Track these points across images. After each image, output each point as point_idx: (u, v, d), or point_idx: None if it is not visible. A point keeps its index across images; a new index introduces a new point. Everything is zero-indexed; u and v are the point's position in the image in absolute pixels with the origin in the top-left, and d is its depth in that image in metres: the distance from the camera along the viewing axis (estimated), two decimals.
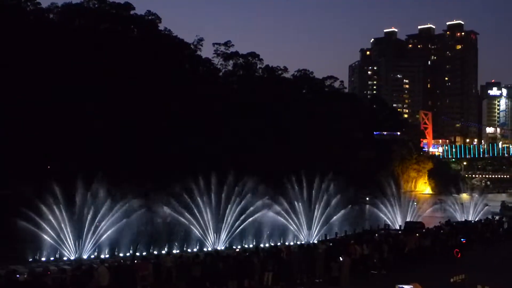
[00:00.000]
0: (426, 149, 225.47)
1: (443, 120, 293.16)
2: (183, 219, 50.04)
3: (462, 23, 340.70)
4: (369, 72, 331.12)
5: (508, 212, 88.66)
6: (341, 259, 31.03)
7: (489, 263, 38.61)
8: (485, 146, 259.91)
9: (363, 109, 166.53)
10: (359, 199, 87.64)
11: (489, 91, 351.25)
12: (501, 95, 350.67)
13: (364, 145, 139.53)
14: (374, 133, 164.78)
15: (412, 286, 23.48)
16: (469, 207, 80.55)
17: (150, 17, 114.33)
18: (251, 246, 49.00)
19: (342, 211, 59.88)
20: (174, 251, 44.36)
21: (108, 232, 44.75)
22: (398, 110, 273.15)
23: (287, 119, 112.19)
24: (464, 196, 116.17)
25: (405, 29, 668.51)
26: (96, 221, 44.67)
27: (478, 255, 43.56)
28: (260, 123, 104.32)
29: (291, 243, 49.41)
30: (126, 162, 77.86)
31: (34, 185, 56.87)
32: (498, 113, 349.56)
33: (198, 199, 51.23)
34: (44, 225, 42.71)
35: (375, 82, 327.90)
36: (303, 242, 46.74)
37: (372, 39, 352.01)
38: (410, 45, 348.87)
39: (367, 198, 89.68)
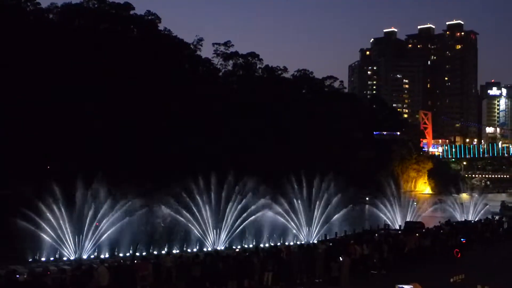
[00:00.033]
0: (426, 149, 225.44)
1: (443, 120, 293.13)
2: (183, 219, 50.03)
3: (462, 23, 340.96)
4: (368, 72, 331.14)
5: (508, 212, 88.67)
6: (341, 259, 31.01)
7: (489, 263, 38.61)
8: (485, 146, 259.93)
9: (362, 109, 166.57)
10: (359, 199, 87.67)
11: (488, 91, 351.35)
12: (500, 95, 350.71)
13: (364, 145, 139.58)
14: (374, 133, 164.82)
15: (412, 286, 23.48)
16: (469, 207, 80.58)
17: (149, 17, 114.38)
18: (251, 246, 48.99)
19: (342, 211, 59.89)
20: (174, 251, 44.34)
21: (108, 232, 44.73)
22: (398, 110, 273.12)
23: (287, 119, 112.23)
24: (464, 196, 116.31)
25: (405, 29, 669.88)
26: (95, 221, 44.65)
27: (478, 255, 43.57)
28: (260, 123, 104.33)
29: (291, 243, 49.41)
30: (126, 162, 77.86)
31: (34, 185, 56.87)
32: (498, 113, 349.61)
33: (198, 199, 51.23)
34: (44, 225, 42.69)
35: (374, 82, 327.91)
36: (303, 242, 46.74)
37: (372, 39, 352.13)
38: (410, 45, 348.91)
39: (367, 198, 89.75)
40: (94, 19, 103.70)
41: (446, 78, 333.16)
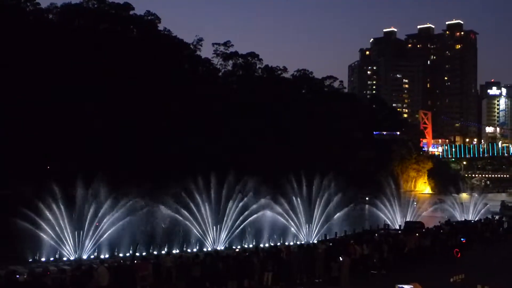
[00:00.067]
0: (425, 148, 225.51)
1: (443, 119, 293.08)
2: (183, 219, 50.02)
3: (462, 22, 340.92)
4: (368, 72, 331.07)
5: (507, 211, 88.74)
6: (341, 259, 31.02)
7: (489, 263, 38.61)
8: (485, 146, 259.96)
9: (362, 109, 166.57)
10: (359, 199, 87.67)
11: (488, 91, 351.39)
12: (500, 94, 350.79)
13: (363, 145, 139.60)
14: (374, 133, 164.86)
15: (412, 286, 23.49)
16: (468, 207, 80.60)
17: (149, 17, 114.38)
18: (251, 246, 48.99)
19: (342, 211, 59.91)
20: (174, 251, 44.35)
21: (108, 232, 44.73)
22: (398, 110, 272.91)
23: (287, 119, 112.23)
24: (464, 195, 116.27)
25: (405, 29, 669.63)
26: (95, 221, 44.64)
27: (478, 255, 43.57)
28: (260, 123, 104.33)
29: (291, 243, 49.43)
30: (126, 162, 77.84)
31: (34, 185, 56.90)
32: (498, 113, 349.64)
33: (198, 199, 51.23)
34: (44, 225, 42.70)
35: (374, 82, 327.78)
36: (302, 242, 46.76)
37: (372, 39, 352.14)
38: (410, 45, 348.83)
39: (367, 198, 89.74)
40: (93, 19, 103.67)
41: (445, 78, 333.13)
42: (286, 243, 49.91)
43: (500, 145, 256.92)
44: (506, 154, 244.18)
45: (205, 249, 47.19)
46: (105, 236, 44.53)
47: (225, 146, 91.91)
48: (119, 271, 27.72)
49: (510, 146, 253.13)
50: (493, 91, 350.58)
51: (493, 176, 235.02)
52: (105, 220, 44.89)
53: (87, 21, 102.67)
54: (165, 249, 44.71)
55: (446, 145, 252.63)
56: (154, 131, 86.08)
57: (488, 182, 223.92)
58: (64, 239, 43.02)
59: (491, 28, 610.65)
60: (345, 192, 61.85)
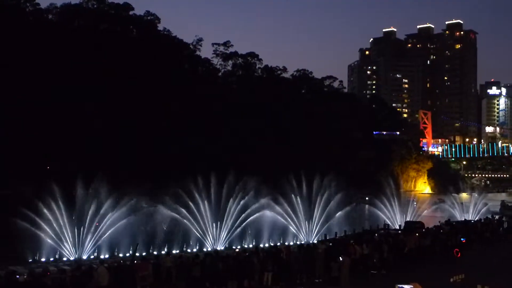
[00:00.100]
0: (425, 148, 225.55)
1: (443, 119, 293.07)
2: (183, 219, 50.02)
3: (461, 22, 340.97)
4: (368, 72, 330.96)
5: (507, 211, 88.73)
6: (340, 259, 31.03)
7: (489, 263, 38.61)
8: (485, 146, 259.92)
9: (362, 109, 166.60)
10: (359, 199, 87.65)
11: (488, 91, 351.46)
12: (500, 94, 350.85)
13: (363, 145, 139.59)
14: (374, 133, 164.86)
15: (412, 286, 23.48)
16: (468, 207, 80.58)
17: (149, 18, 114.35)
18: (250, 246, 48.98)
19: (342, 211, 59.92)
20: (174, 251, 44.34)
21: (108, 233, 44.72)
22: (398, 109, 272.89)
23: (287, 119, 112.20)
24: (464, 195, 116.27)
25: (404, 28, 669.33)
26: (95, 221, 44.63)
27: (478, 255, 43.57)
28: (260, 123, 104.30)
29: (291, 243, 49.44)
30: (126, 162, 77.82)
31: (34, 185, 56.85)
32: (498, 112, 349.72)
33: (198, 199, 51.22)
34: (44, 225, 42.69)
35: (374, 82, 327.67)
36: (302, 242, 46.77)
37: (371, 39, 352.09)
38: (409, 45, 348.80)
39: (367, 198, 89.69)
40: (93, 19, 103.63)
41: (445, 78, 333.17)
42: (286, 243, 49.90)
43: (500, 145, 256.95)
44: (506, 154, 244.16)
45: (205, 249, 47.17)
46: (105, 236, 44.53)
47: (225, 146, 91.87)
48: (119, 271, 27.73)
49: (510, 146, 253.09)
50: (493, 91, 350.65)
51: (493, 176, 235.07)
52: (105, 220, 44.89)
53: (86, 21, 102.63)
54: (165, 249, 44.72)
55: (446, 145, 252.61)
56: (154, 131, 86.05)
57: (488, 182, 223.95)
58: (64, 239, 43.01)
59: (491, 28, 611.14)
60: (345, 192, 61.85)
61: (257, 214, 53.94)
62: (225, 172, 55.83)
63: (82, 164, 65.66)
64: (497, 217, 69.93)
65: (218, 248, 47.48)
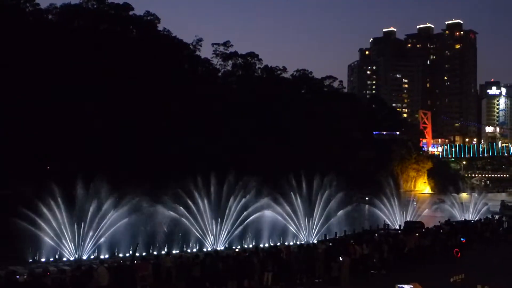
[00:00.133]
0: (425, 148, 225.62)
1: (443, 119, 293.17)
2: (182, 219, 50.01)
3: (461, 22, 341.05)
4: (368, 72, 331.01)
5: (507, 211, 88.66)
6: (340, 259, 31.03)
7: (489, 263, 38.60)
8: (485, 146, 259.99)
9: (362, 109, 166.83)
10: (359, 199, 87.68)
11: (488, 90, 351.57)
12: (500, 94, 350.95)
13: (363, 145, 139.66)
14: (374, 132, 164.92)
15: (412, 286, 23.49)
16: (468, 207, 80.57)
17: (149, 18, 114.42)
18: (250, 246, 48.96)
19: (342, 211, 59.88)
20: (174, 251, 44.33)
21: (108, 233, 44.70)
22: (397, 109, 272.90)
23: (287, 119, 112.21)
24: (464, 195, 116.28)
25: (404, 28, 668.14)
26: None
27: (478, 254, 43.56)
28: (260, 123, 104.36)
29: (291, 243, 49.42)
30: (126, 162, 77.86)
31: (34, 185, 56.84)
32: (498, 112, 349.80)
33: (198, 199, 51.20)
34: (44, 225, 42.67)
35: (374, 82, 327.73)
36: (302, 242, 46.74)
37: (371, 39, 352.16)
38: (409, 45, 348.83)
39: (367, 198, 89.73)
40: (93, 19, 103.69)
41: (445, 78, 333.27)
42: (286, 243, 49.86)
43: (500, 145, 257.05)
44: (506, 154, 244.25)
45: (205, 249, 47.15)
46: (105, 236, 44.50)
47: (225, 146, 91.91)
48: (119, 271, 27.73)
49: (510, 145, 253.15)
50: (493, 90, 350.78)
51: (493, 175, 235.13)
52: (105, 220, 44.86)
53: (86, 22, 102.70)
54: (165, 249, 44.71)
55: (446, 145, 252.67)
56: (154, 131, 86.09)
57: (488, 182, 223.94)
58: (64, 239, 42.99)
59: (491, 28, 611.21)
60: (345, 192, 61.84)
61: (257, 214, 53.89)
62: (225, 172, 55.81)
63: (82, 164, 65.69)
64: (497, 217, 69.89)
65: (218, 248, 47.45)
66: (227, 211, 51.79)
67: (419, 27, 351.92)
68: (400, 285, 23.61)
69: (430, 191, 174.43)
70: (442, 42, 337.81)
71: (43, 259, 41.90)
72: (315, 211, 56.57)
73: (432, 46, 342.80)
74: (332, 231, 56.53)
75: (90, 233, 43.82)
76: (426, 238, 42.10)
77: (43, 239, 42.33)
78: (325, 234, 54.71)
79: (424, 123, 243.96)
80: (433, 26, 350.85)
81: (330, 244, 39.04)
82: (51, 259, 42.18)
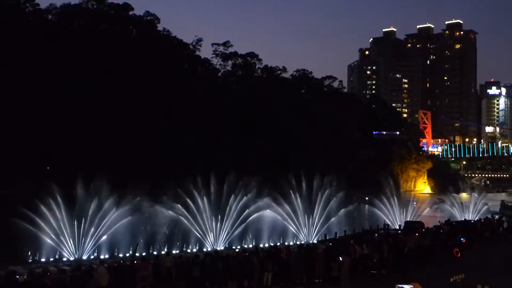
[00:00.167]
0: (425, 148, 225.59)
1: (442, 119, 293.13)
2: (182, 219, 50.00)
3: (461, 22, 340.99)
4: (368, 72, 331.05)
5: (507, 211, 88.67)
6: (340, 259, 31.01)
7: (489, 263, 38.56)
8: (485, 146, 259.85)
9: (362, 109, 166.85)
10: (359, 199, 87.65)
11: (488, 90, 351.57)
12: (500, 94, 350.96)
13: (363, 145, 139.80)
14: (373, 132, 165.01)
15: (412, 286, 23.46)
16: (468, 207, 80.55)
17: (148, 18, 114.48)
18: (250, 246, 48.95)
19: (342, 211, 59.86)
20: (174, 252, 44.31)
21: (108, 233, 44.68)
22: (397, 109, 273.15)
23: (287, 119, 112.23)
24: (464, 195, 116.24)
25: (404, 28, 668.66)
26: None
27: (478, 255, 43.53)
28: (260, 123, 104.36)
29: (291, 243, 49.40)
30: (126, 162, 77.87)
31: (34, 185, 56.80)
32: (497, 112, 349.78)
33: (198, 199, 51.19)
34: (43, 225, 42.65)
35: (374, 82, 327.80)
36: (302, 242, 46.72)
37: (371, 39, 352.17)
38: (409, 45, 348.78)
39: (367, 198, 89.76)
40: (93, 19, 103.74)
41: (445, 78, 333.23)
42: (286, 243, 49.84)
43: (499, 145, 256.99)
44: (505, 154, 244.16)
45: (205, 249, 47.14)
46: (105, 236, 44.48)
47: (225, 146, 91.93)
48: (119, 271, 27.72)
49: (510, 145, 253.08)
50: (493, 90, 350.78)
51: (492, 175, 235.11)
52: (105, 220, 44.84)
53: (86, 22, 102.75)
54: (165, 249, 44.70)
55: (446, 145, 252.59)
56: (154, 131, 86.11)
57: (488, 182, 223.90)
58: (64, 239, 42.97)
59: (491, 28, 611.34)
60: (345, 192, 61.83)
61: (257, 214, 53.88)
62: (225, 172, 55.81)
63: (82, 164, 65.65)
64: (497, 217, 69.90)
65: (218, 248, 47.44)
66: (227, 211, 51.77)
67: (419, 27, 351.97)
68: (400, 285, 23.58)
69: (430, 191, 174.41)
70: (442, 42, 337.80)
71: (43, 259, 41.87)
72: (315, 211, 56.55)
73: (432, 46, 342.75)
74: (332, 231, 56.53)
75: (90, 233, 43.80)
76: (426, 238, 42.09)
77: (43, 239, 42.31)
78: (325, 234, 54.70)
79: (424, 123, 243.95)
80: (433, 26, 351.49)
81: (330, 244, 39.04)
82: (51, 259, 42.15)
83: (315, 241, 47.92)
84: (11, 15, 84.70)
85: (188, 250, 47.44)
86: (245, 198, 53.72)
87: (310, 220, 55.80)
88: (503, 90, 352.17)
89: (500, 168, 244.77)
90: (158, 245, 47.60)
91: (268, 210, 54.60)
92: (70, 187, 46.75)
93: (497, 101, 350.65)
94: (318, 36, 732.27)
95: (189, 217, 49.71)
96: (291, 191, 57.61)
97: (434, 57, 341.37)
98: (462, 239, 45.65)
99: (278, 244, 49.50)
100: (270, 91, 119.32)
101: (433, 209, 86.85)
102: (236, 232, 51.61)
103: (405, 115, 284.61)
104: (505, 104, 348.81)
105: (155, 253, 43.20)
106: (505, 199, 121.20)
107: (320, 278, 32.13)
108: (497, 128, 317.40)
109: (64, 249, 42.94)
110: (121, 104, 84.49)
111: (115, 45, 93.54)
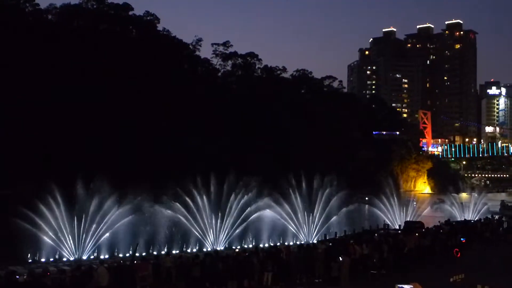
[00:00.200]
0: (425, 148, 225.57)
1: (442, 119, 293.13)
2: (182, 219, 49.99)
3: (461, 22, 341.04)
4: (368, 72, 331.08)
5: (507, 211, 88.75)
6: (340, 259, 31.02)
7: (489, 263, 38.57)
8: (484, 146, 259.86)
9: (362, 109, 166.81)
10: (359, 199, 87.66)
11: (488, 90, 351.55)
12: (500, 94, 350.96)
13: (363, 145, 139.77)
14: (373, 132, 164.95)
15: (412, 286, 23.47)
16: (468, 207, 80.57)
17: (148, 18, 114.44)
18: (250, 246, 48.95)
19: (342, 211, 59.88)
20: (174, 252, 44.31)
21: (108, 233, 44.68)
22: (397, 109, 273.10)
23: (286, 119, 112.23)
24: (464, 195, 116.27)
25: (404, 28, 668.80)
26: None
27: (478, 255, 43.54)
28: (260, 123, 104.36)
29: (291, 243, 49.40)
30: (126, 162, 77.83)
31: (34, 185, 56.76)
32: (497, 112, 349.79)
33: (198, 199, 51.20)
34: (43, 225, 42.65)
35: (374, 82, 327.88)
36: (302, 242, 46.73)
37: (371, 39, 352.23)
38: (409, 45, 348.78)
39: (367, 198, 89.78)
40: (93, 19, 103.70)
41: (445, 78, 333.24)
42: (286, 243, 49.84)
43: (499, 145, 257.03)
44: (505, 154, 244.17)
45: (205, 249, 47.14)
46: (105, 236, 44.49)
47: (225, 146, 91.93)
48: (119, 271, 27.73)
49: (510, 145, 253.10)
50: (493, 90, 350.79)
51: (492, 175, 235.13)
52: (105, 220, 44.85)
53: (86, 22, 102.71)
54: (165, 249, 44.71)
55: (446, 145, 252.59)
56: (154, 131, 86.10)
57: (488, 182, 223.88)
58: (64, 239, 42.97)
59: (491, 28, 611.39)
60: (345, 192, 61.84)
61: (257, 214, 53.89)
62: (225, 172, 55.82)
63: (82, 164, 65.62)
64: (497, 217, 69.91)
65: (218, 248, 47.44)
66: (227, 211, 51.78)
67: (419, 27, 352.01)
68: (400, 285, 23.60)
69: (430, 191, 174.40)
70: (442, 42, 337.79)
71: (43, 259, 41.85)
72: (315, 211, 56.57)
73: (432, 46, 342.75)
74: (332, 231, 56.55)
75: (90, 233, 43.80)
76: (426, 238, 42.10)
77: (43, 239, 42.32)
78: (325, 234, 54.73)
79: (424, 123, 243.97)
80: (433, 26, 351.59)
81: (330, 244, 39.05)
82: (51, 259, 42.13)
83: (315, 241, 47.95)
84: (11, 15, 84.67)
85: (188, 250, 47.45)
86: (245, 197, 53.73)
87: (310, 220, 55.84)
88: (503, 90, 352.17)
89: (500, 168, 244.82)
90: (158, 245, 47.61)
91: (268, 210, 54.62)
92: (70, 187, 46.72)
93: (497, 101, 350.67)
94: (318, 36, 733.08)
95: (189, 217, 49.73)
96: (291, 191, 57.63)
97: (434, 57, 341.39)
98: (462, 239, 45.69)
99: (278, 244, 49.50)
100: (270, 91, 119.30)
101: (433, 209, 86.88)
102: (236, 232, 51.62)
103: (405, 115, 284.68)
104: (505, 104, 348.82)
105: (155, 253, 43.20)
106: (505, 199, 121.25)
107: (320, 278, 32.15)
108: (497, 128, 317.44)
109: (64, 249, 42.95)
110: (121, 104, 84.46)
111: (115, 45, 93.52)
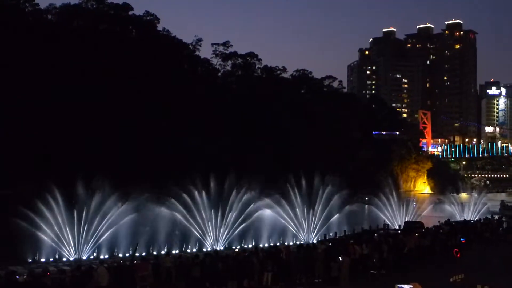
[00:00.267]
0: (425, 148, 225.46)
1: (442, 119, 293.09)
2: (182, 219, 50.01)
3: (461, 22, 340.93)
4: (368, 72, 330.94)
5: (507, 211, 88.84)
6: (340, 259, 31.03)
7: (489, 263, 38.59)
8: (484, 146, 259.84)
9: (362, 109, 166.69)
10: (359, 199, 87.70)
11: (488, 91, 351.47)
12: (500, 94, 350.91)
13: (363, 145, 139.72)
14: (373, 132, 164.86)
15: (412, 286, 23.46)
16: (468, 207, 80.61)
17: (148, 18, 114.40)
18: (250, 246, 48.96)
19: (342, 211, 59.90)
20: (174, 252, 44.31)
21: (108, 233, 44.69)
22: (397, 109, 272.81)
23: (286, 119, 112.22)
24: (463, 195, 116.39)
25: (404, 28, 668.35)
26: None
27: (478, 255, 43.55)
28: (260, 123, 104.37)
29: (291, 243, 49.42)
30: (126, 162, 77.84)
31: (34, 185, 56.77)
32: (497, 112, 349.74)
33: (198, 199, 51.20)
34: (43, 225, 42.66)
35: (374, 82, 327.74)
36: (302, 242, 46.74)
37: (371, 39, 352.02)
38: (409, 45, 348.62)
39: (366, 198, 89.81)
40: (93, 19, 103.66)
41: (445, 78, 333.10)
42: (286, 243, 49.86)
43: (499, 145, 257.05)
44: (505, 154, 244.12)
45: (204, 249, 47.15)
46: (105, 236, 44.50)
47: (225, 146, 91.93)
48: (118, 271, 27.75)
49: (510, 146, 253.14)
50: (493, 91, 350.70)
51: (492, 176, 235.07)
52: (105, 220, 44.86)
53: (86, 22, 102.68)
54: (165, 249, 44.72)
55: (446, 145, 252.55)
56: (154, 131, 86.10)
57: (488, 182, 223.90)
58: (63, 240, 42.98)
59: (491, 28, 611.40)
60: (345, 192, 61.87)
61: (257, 214, 53.92)
62: (225, 172, 55.83)
63: (82, 164, 65.65)
64: (496, 217, 69.96)
65: (218, 248, 47.45)
66: (226, 211, 51.79)
67: (419, 27, 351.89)
68: (400, 285, 23.59)
69: (429, 191, 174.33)
70: (442, 42, 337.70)
71: (43, 259, 41.85)
72: (315, 211, 56.59)
73: (432, 46, 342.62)
74: (331, 231, 56.58)
75: (90, 233, 43.81)
76: (426, 238, 42.12)
77: (43, 239, 42.32)
78: (325, 234, 54.77)
79: (424, 123, 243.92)
80: (433, 26, 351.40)
81: (330, 244, 39.07)
82: (51, 259, 42.15)
83: (314, 241, 47.97)
84: (11, 15, 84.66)
85: (188, 250, 47.46)
86: (245, 197, 53.69)
87: (310, 220, 55.85)
88: (503, 90, 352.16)
89: (500, 168, 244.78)
90: (158, 245, 47.62)
91: (268, 210, 54.64)
92: (70, 187, 46.73)
93: (497, 101, 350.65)
94: (318, 36, 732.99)
95: (189, 217, 49.73)
96: (291, 191, 57.65)
97: (434, 57, 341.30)
98: (462, 239, 45.70)
99: (278, 244, 49.53)
100: (270, 91, 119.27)
101: (433, 209, 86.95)
102: (236, 232, 51.63)
103: (405, 115, 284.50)
104: (505, 104, 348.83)
105: (155, 253, 43.21)
106: (504, 199, 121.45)
107: (320, 278, 32.16)
108: (497, 128, 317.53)
109: (64, 249, 42.96)
110: (121, 104, 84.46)
111: (115, 45, 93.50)
